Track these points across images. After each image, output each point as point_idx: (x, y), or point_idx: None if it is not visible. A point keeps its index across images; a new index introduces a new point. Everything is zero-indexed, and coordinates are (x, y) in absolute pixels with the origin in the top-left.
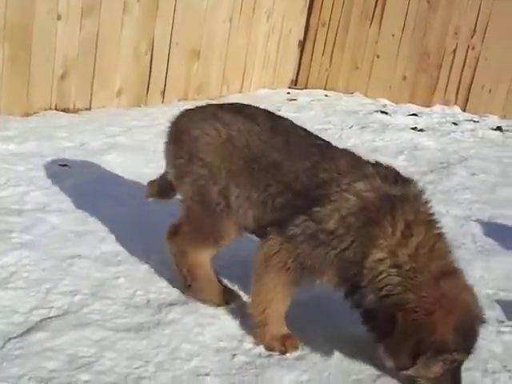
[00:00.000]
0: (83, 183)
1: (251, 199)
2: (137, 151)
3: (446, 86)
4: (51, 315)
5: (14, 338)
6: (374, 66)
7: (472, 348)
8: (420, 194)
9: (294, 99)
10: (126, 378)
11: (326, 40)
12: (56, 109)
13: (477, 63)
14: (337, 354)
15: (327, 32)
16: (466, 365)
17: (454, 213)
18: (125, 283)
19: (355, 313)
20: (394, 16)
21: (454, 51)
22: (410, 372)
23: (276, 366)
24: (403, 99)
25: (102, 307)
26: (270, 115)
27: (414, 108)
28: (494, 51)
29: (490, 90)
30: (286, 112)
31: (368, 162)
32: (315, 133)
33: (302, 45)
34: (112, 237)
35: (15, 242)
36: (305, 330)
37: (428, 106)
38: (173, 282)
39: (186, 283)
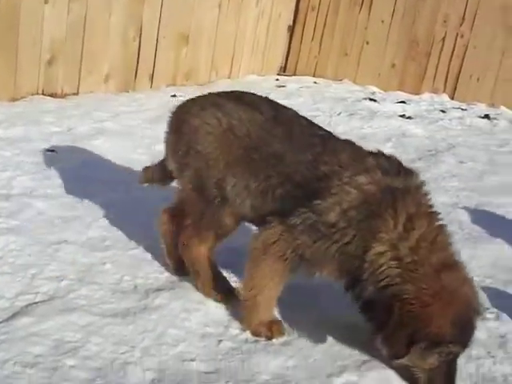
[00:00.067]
0: (70, 168)
1: (250, 189)
2: (125, 137)
3: (435, 74)
4: (37, 300)
5: (0, 322)
6: (363, 52)
7: (469, 341)
8: (421, 185)
9: (283, 86)
10: (112, 363)
11: (315, 25)
12: (43, 94)
13: (465, 51)
14: (323, 340)
15: (317, 16)
16: None
17: (442, 200)
18: (112, 269)
19: (354, 304)
20: (384, 1)
21: (443, 39)
22: (405, 361)
23: (262, 352)
24: (392, 87)
25: (89, 292)
26: (272, 104)
27: (403, 95)
28: (482, 40)
29: (478, 79)
30: (274, 99)
31: (369, 154)
32: None
33: (292, 30)
34: (99, 222)
35: (1, 227)
36: (291, 316)
37: (417, 93)
38: (160, 267)
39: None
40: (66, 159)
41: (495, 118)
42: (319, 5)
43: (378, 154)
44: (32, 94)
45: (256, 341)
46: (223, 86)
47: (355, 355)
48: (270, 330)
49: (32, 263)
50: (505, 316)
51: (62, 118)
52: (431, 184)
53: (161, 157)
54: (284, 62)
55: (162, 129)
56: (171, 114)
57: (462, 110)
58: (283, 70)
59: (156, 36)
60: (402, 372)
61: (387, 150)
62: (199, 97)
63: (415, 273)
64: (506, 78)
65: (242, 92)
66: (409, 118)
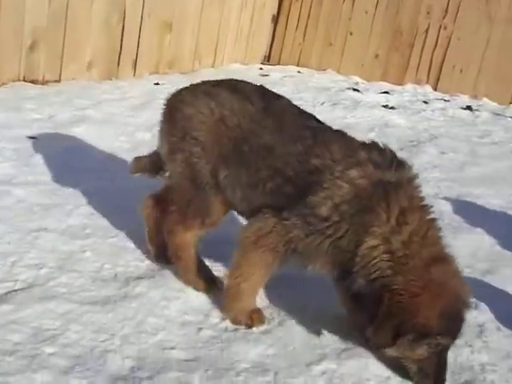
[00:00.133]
0: (51, 156)
1: (241, 181)
2: (107, 124)
3: (418, 65)
4: (16, 288)
5: None
6: (347, 42)
7: (457, 333)
8: (413, 178)
9: (267, 75)
10: (91, 351)
11: (299, 15)
12: (24, 80)
13: (448, 43)
14: (302, 329)
15: (301, 6)
16: None
17: (423, 191)
18: (92, 256)
19: (340, 294)
20: None
21: (427, 31)
22: (395, 353)
23: (242, 340)
24: (375, 77)
25: (69, 280)
26: (265, 94)
27: (386, 86)
28: (465, 31)
29: (461, 70)
30: None
31: (362, 146)
32: None
33: (276, 19)
34: (79, 210)
35: None
36: (271, 305)
37: (400, 84)
38: (141, 255)
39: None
40: (46, 146)
41: (477, 110)
42: None
43: (371, 147)
44: (13, 81)
45: (236, 329)
46: (207, 74)
47: (334, 344)
48: (250, 319)
49: (11, 251)
50: (483, 305)
51: (43, 104)
52: None
53: (143, 144)
54: (268, 51)
55: (144, 116)
56: (165, 101)
57: (445, 101)
58: (267, 60)
59: (139, 23)
60: (385, 361)
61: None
62: (193, 85)
63: (406, 266)
64: (489, 70)
65: (237, 80)
66: (392, 108)
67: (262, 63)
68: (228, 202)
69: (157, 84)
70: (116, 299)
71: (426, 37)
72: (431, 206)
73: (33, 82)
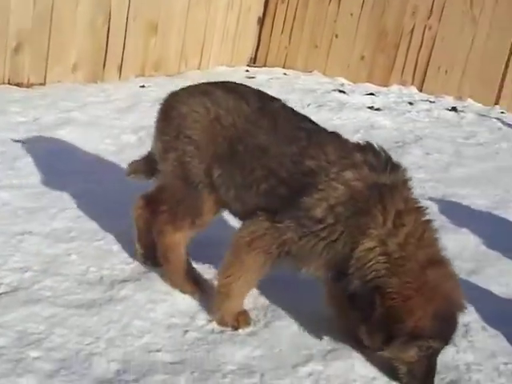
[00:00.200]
0: (36, 159)
1: (235, 181)
2: (92, 127)
3: (403, 66)
4: (0, 292)
5: None
6: (332, 44)
7: (450, 337)
8: (407, 180)
9: (253, 77)
10: (76, 355)
11: (285, 17)
12: (9, 83)
13: (433, 44)
14: (288, 330)
15: (287, 9)
16: None
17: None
18: (77, 260)
19: (329, 296)
20: None
21: (412, 31)
22: (385, 354)
23: (228, 342)
24: (361, 78)
25: (54, 284)
26: (261, 95)
27: (372, 87)
28: (450, 32)
29: (446, 71)
30: None
31: (356, 147)
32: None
33: (262, 21)
34: (64, 213)
35: None
36: (257, 306)
37: (385, 85)
38: (127, 258)
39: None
40: (31, 149)
41: (462, 111)
42: None
43: (366, 148)
44: None
45: (222, 331)
46: (193, 76)
47: (321, 345)
48: (237, 320)
49: None
50: (468, 305)
51: (28, 107)
52: None
53: (129, 147)
54: (254, 53)
55: (130, 119)
56: (163, 100)
57: (430, 102)
58: (253, 62)
59: (124, 25)
60: (372, 362)
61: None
62: (191, 85)
63: (402, 267)
64: (474, 71)
65: (234, 83)
66: (377, 109)
67: (248, 65)
68: (220, 202)
69: (142, 86)
70: (101, 302)
71: (411, 38)
72: (426, 208)
73: (17, 84)
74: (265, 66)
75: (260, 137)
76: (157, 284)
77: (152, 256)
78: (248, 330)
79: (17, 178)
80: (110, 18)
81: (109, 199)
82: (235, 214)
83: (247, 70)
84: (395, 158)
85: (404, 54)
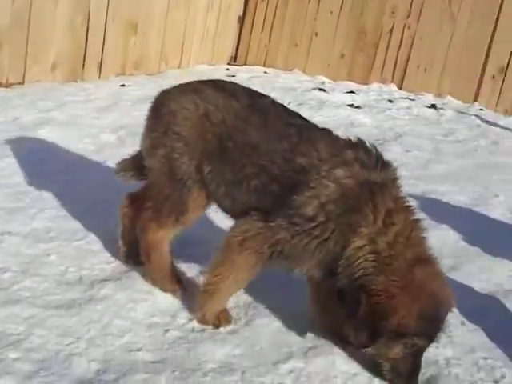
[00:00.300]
0: (15, 159)
1: (225, 177)
2: (71, 126)
3: (383, 65)
4: None
5: None
6: (312, 43)
7: (435, 335)
8: (397, 179)
9: (233, 76)
10: (56, 355)
11: (265, 15)
12: None
13: (412, 42)
14: (269, 328)
15: (267, 7)
16: None
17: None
18: (56, 260)
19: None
20: None
21: (391, 30)
22: (371, 351)
23: (209, 341)
24: (341, 77)
25: (33, 284)
26: (251, 93)
27: (352, 85)
28: (428, 31)
29: (425, 69)
30: None
31: (347, 144)
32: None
33: (242, 20)
34: (43, 213)
35: None
36: (237, 305)
37: (365, 83)
38: (106, 258)
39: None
40: (11, 149)
41: (442, 108)
42: None
43: (357, 145)
44: None
45: (203, 330)
46: (173, 75)
47: (301, 342)
48: (218, 319)
49: None
50: None
51: (6, 107)
52: None
53: (108, 146)
54: (234, 51)
55: (110, 118)
56: (154, 98)
57: (410, 100)
58: (233, 60)
59: (104, 25)
60: (353, 358)
61: None
62: (183, 83)
63: (390, 266)
64: (452, 69)
65: (225, 81)
66: (357, 107)
67: (228, 64)
68: (209, 198)
69: (123, 86)
70: (81, 302)
71: (390, 36)
72: (414, 207)
73: None
74: (245, 64)
75: (250, 133)
76: (138, 283)
77: (134, 254)
78: (229, 328)
79: None
80: (89, 18)
81: (89, 198)
82: (225, 210)
83: (228, 69)
84: None
85: (384, 53)
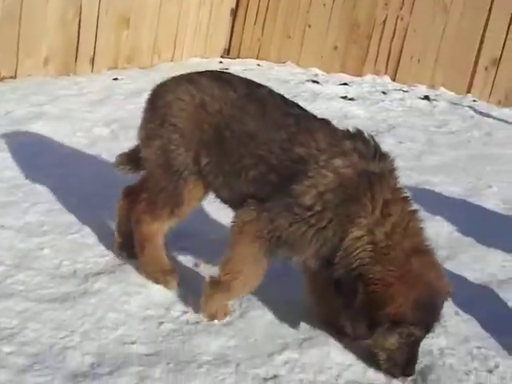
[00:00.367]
0: (8, 153)
1: (223, 168)
2: (64, 120)
3: (376, 57)
4: None
5: None
6: (305, 35)
7: (432, 325)
8: (394, 169)
9: (227, 69)
10: (50, 349)
11: (258, 8)
12: None
13: (405, 34)
14: (263, 320)
15: (259, 0)
16: None
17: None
18: (50, 253)
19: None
20: None
21: (384, 22)
22: (369, 341)
23: (203, 333)
24: (334, 69)
25: (26, 278)
26: (248, 82)
27: (345, 77)
28: (421, 22)
29: (418, 60)
30: None
31: (345, 135)
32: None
33: (235, 13)
34: (37, 208)
35: None
36: None
37: (359, 75)
38: (100, 252)
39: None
40: (3, 143)
41: (435, 100)
42: None
43: (356, 136)
44: None
45: (197, 322)
46: (166, 69)
47: (296, 333)
48: (223, 311)
49: None
50: None
51: None
52: None
53: (101, 140)
54: (227, 44)
55: (103, 112)
56: (151, 90)
57: (403, 91)
58: (227, 53)
59: (96, 19)
60: (347, 349)
61: None
62: (179, 75)
63: (387, 256)
64: (446, 60)
65: (222, 71)
66: (351, 99)
67: (221, 57)
68: (206, 189)
69: (115, 79)
70: (75, 296)
71: (383, 28)
72: (411, 198)
73: None
74: (238, 57)
75: (248, 123)
76: (131, 276)
77: (129, 246)
78: (223, 320)
79: None
80: (80, 12)
81: (82, 192)
82: (223, 200)
83: (221, 62)
84: None
85: (377, 44)
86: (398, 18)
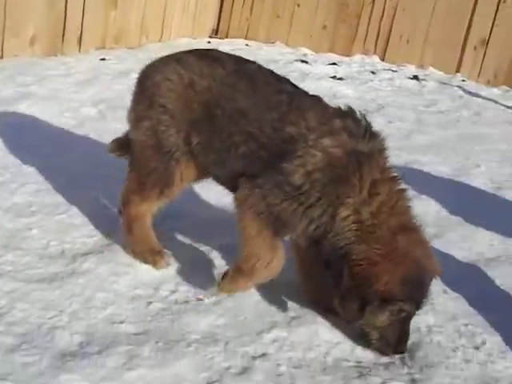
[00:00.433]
0: None
1: (213, 145)
2: (51, 100)
3: (365, 36)
4: None
5: None
6: (294, 14)
7: (421, 301)
8: (384, 149)
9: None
10: (39, 328)
11: None
12: None
13: (395, 13)
14: (252, 299)
15: None
16: None
17: None
18: (38, 234)
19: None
20: None
21: (373, 1)
22: (361, 322)
23: (192, 312)
24: (323, 48)
25: (14, 258)
26: (236, 58)
27: (334, 57)
28: (411, 1)
29: (407, 41)
30: None
31: (336, 113)
32: None
33: None
34: (25, 188)
35: None
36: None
37: (347, 55)
38: (88, 232)
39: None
40: None
41: (424, 79)
42: None
43: (347, 114)
44: None
45: (186, 301)
46: (154, 49)
47: (284, 312)
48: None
49: None
50: None
51: None
52: None
53: (89, 120)
54: (216, 25)
55: (90, 92)
56: (140, 72)
57: (392, 71)
58: (215, 33)
59: None
60: (336, 327)
61: None
62: (167, 55)
63: (373, 234)
64: (435, 40)
65: (209, 49)
66: (340, 79)
67: (210, 37)
68: (197, 168)
69: (103, 59)
70: (63, 276)
71: (372, 7)
72: (400, 178)
73: None
74: (227, 37)
75: (238, 99)
76: (120, 256)
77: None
78: (212, 299)
79: None
80: None
81: (70, 172)
82: (215, 178)
83: (209, 42)
84: None
85: (366, 24)
86: None
